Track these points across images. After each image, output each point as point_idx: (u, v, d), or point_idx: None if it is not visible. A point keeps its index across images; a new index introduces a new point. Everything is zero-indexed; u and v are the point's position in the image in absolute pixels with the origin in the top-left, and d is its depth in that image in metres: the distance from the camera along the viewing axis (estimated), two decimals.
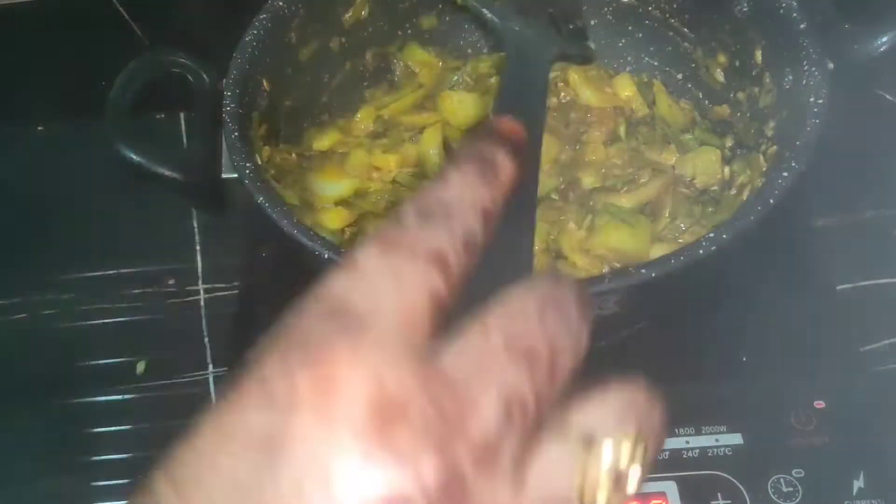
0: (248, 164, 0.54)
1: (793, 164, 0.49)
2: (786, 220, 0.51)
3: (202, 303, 0.72)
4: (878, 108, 0.76)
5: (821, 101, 0.52)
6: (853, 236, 0.70)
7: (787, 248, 0.64)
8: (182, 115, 0.84)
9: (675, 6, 0.69)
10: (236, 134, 0.56)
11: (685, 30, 0.70)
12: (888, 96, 0.73)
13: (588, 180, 0.63)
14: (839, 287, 0.65)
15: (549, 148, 0.63)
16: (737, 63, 0.65)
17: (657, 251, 0.57)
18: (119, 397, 0.66)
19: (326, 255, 0.49)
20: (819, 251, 0.66)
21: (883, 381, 0.59)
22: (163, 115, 0.83)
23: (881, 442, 0.53)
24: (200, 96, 0.60)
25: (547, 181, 0.62)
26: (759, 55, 0.62)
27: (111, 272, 0.74)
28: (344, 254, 0.49)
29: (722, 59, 0.67)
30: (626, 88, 0.69)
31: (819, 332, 0.60)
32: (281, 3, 0.64)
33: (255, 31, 0.62)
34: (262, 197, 0.52)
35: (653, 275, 0.45)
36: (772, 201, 0.47)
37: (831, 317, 0.61)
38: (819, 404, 0.54)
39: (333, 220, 0.63)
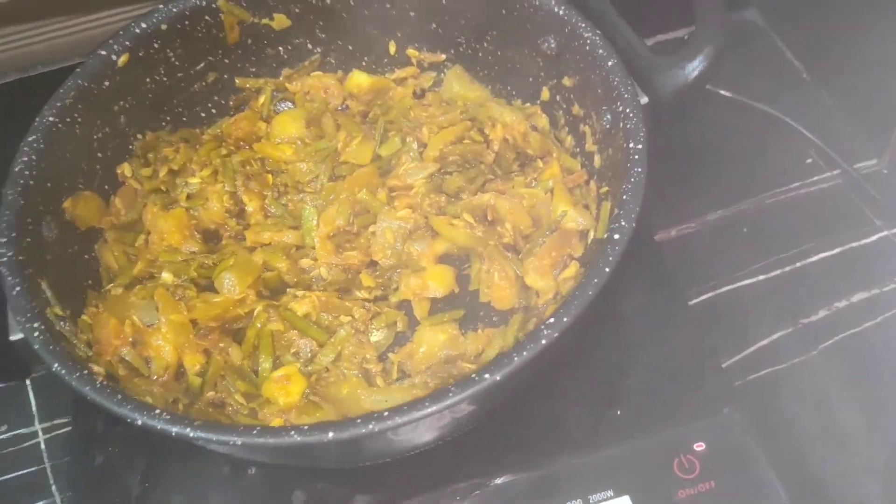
0: (37, 324, 0.47)
1: (622, 223, 0.46)
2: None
3: (42, 445, 0.64)
4: (712, 103, 0.76)
5: (640, 147, 0.50)
6: (695, 245, 0.69)
7: (634, 272, 0.62)
8: None
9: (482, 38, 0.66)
10: (18, 289, 0.49)
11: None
12: (722, 91, 0.72)
13: None
14: (691, 303, 0.64)
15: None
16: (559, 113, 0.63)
17: None
18: None
19: (140, 422, 0.43)
20: (664, 269, 0.64)
21: (748, 396, 0.58)
22: None
23: (763, 479, 0.52)
24: None
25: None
26: (576, 107, 0.61)
27: None
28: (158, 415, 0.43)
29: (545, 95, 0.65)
30: None
31: (680, 359, 0.59)
32: (52, 118, 0.56)
33: (26, 158, 0.54)
34: (57, 364, 0.45)
35: (497, 378, 0.42)
36: (608, 269, 0.44)
37: (689, 339, 0.60)
38: (699, 446, 0.53)
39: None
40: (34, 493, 0.62)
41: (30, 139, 0.55)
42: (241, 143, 0.67)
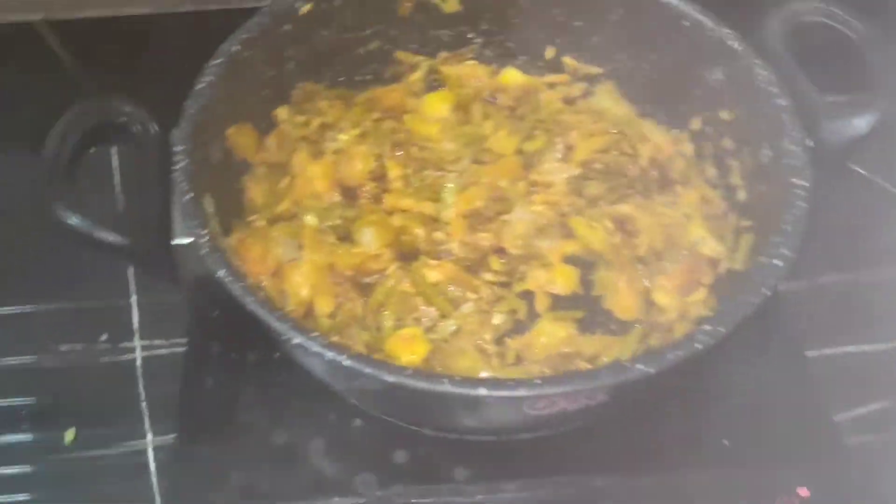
0: (204, 231, 0.49)
1: (783, 251, 0.47)
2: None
3: (139, 362, 0.66)
4: (850, 178, 0.77)
5: (805, 184, 0.51)
6: (807, 303, 0.70)
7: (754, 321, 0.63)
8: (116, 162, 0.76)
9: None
10: (192, 195, 0.51)
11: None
12: (861, 171, 0.73)
13: None
14: (809, 355, 0.64)
15: None
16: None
17: None
18: (44, 470, 0.58)
19: (296, 341, 0.45)
20: (786, 319, 0.65)
21: (860, 455, 0.58)
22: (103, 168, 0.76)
23: None
24: (148, 148, 0.55)
25: None
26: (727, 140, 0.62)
27: (34, 322, 0.66)
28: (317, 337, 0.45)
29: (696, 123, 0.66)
30: None
31: (792, 404, 0.59)
32: (237, 48, 0.59)
33: (210, 77, 0.57)
34: (224, 271, 0.47)
35: (651, 371, 0.42)
36: (768, 292, 0.45)
37: (802, 388, 0.60)
38: (803, 491, 0.53)
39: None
40: (124, 404, 0.63)
41: (214, 62, 0.58)
42: (389, 113, 0.69)
